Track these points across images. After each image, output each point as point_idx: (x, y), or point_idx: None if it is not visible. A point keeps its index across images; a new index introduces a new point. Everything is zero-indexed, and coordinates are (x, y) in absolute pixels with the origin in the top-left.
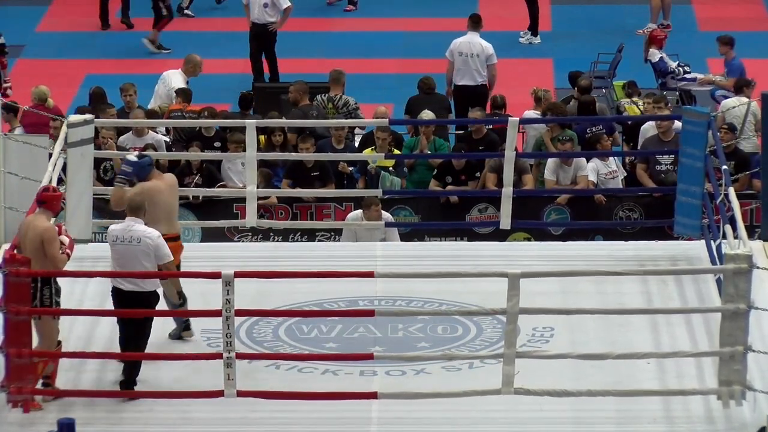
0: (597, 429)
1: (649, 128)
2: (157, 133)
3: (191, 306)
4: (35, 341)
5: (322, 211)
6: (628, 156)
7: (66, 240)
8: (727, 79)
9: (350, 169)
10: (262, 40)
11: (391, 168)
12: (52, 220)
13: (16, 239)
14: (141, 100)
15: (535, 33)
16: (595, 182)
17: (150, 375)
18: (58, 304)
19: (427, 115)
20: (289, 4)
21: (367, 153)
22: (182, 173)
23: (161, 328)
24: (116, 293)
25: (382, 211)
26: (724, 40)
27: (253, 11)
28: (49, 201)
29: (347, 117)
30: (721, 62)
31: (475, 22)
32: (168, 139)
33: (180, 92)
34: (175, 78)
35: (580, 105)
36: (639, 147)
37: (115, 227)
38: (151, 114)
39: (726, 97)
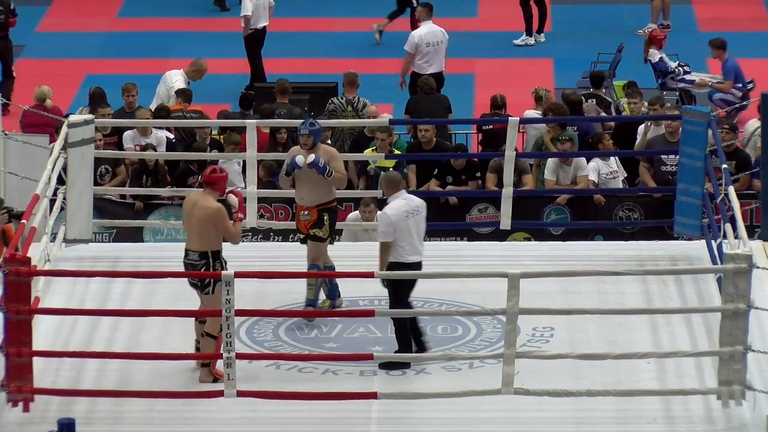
0: (597, 429)
1: (642, 129)
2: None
3: (190, 305)
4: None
5: None
6: (628, 156)
7: (235, 201)
8: (724, 81)
9: None
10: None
11: (391, 168)
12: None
13: (185, 216)
14: (141, 100)
15: (529, 33)
16: (596, 182)
17: (150, 375)
18: None
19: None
20: (245, 12)
21: (368, 153)
22: (184, 174)
23: (162, 328)
24: (409, 266)
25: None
26: (715, 44)
27: None
28: (217, 182)
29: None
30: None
31: (431, 10)
32: (171, 136)
33: (180, 93)
34: (176, 78)
35: (569, 105)
36: (644, 146)
37: (396, 206)
38: (161, 110)
39: (723, 100)
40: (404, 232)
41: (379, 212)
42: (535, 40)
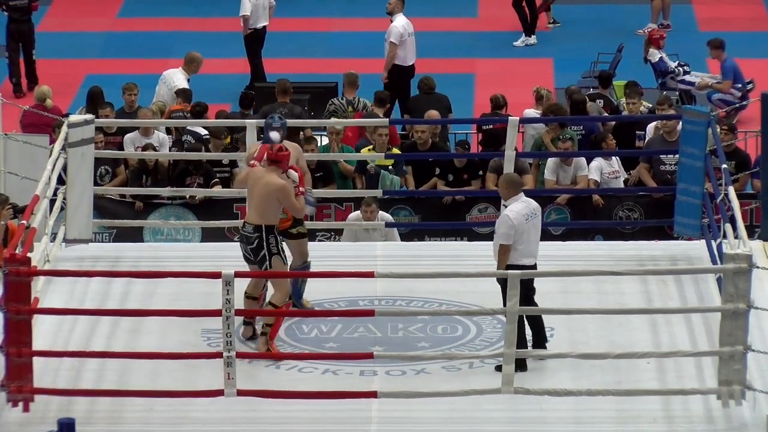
0: (597, 429)
1: (652, 128)
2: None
3: (190, 305)
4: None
5: (322, 211)
6: (628, 156)
7: (296, 175)
8: (722, 81)
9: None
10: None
11: (390, 167)
12: None
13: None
14: (141, 100)
15: (528, 34)
16: (598, 181)
17: (150, 375)
18: (284, 251)
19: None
20: (244, 12)
21: (367, 153)
22: (184, 173)
23: (162, 328)
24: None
25: (383, 212)
26: (714, 44)
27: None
28: (282, 160)
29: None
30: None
31: (403, 2)
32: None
33: (180, 93)
34: (176, 77)
35: (572, 104)
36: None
37: (517, 209)
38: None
39: (722, 100)
40: (523, 235)
41: (500, 214)
42: (535, 40)
